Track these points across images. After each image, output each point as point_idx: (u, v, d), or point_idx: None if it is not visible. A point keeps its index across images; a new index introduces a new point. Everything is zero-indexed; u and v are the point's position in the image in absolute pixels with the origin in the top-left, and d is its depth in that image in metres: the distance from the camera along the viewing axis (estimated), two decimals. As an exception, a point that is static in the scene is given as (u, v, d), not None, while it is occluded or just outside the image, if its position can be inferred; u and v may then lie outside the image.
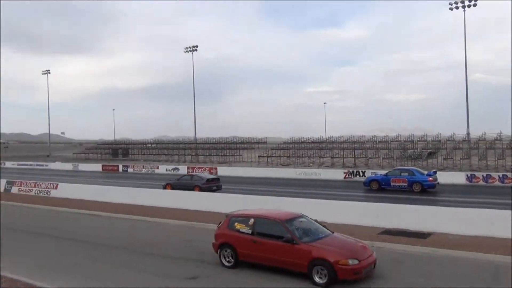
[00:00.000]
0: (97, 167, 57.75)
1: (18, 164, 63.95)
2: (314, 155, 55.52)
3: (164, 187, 27.28)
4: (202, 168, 47.40)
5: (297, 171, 41.78)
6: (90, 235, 14.87)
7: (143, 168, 52.80)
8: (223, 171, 45.59)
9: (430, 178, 27.16)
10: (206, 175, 31.82)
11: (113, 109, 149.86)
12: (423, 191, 26.62)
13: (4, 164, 67.00)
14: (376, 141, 55.50)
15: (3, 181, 29.62)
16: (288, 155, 57.27)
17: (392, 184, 27.89)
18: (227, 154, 67.08)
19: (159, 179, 37.22)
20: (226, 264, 10.37)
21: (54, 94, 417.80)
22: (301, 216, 10.63)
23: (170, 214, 18.44)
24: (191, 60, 75.61)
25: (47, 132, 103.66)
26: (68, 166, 60.68)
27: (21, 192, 27.43)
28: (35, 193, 26.84)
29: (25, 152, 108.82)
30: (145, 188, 27.47)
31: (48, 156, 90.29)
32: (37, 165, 63.04)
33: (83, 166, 59.37)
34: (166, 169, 50.23)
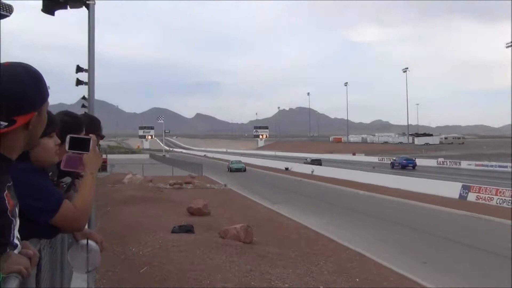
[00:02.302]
0: None
1: (476, 165, 56.13)
2: None
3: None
4: None
5: None
6: None
7: None
8: None
9: (404, 161, 54.14)
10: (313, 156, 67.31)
11: None
12: (402, 168, 51.47)
13: (459, 164, 60.03)
14: None
15: (459, 185, 27.24)
16: None
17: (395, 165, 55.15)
18: None
19: None
20: None
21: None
22: None
23: None
24: None
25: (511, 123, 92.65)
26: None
27: (479, 200, 24.28)
28: (496, 203, 23.07)
29: (482, 150, 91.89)
30: None
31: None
32: (499, 166, 52.56)
33: None
34: None
